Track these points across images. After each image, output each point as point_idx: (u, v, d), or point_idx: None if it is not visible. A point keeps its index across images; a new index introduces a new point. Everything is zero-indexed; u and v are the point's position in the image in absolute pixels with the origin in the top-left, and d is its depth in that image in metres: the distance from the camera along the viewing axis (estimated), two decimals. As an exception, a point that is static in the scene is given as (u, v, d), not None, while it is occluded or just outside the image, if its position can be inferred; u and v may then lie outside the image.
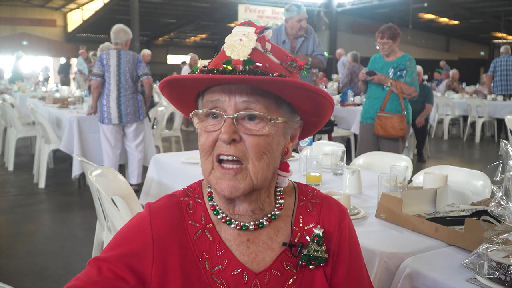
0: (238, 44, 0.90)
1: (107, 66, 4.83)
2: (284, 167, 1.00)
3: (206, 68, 0.91)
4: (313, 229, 1.00)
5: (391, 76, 4.28)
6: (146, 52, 10.97)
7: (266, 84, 0.88)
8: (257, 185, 0.92)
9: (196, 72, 0.92)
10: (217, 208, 0.99)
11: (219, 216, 0.98)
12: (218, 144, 0.91)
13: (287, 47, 4.56)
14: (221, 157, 0.91)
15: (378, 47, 4.34)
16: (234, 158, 0.90)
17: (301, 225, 1.02)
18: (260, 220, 0.98)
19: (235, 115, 0.89)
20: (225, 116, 0.90)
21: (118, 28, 4.94)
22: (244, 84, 0.89)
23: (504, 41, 24.32)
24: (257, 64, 0.89)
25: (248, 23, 0.94)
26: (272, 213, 1.00)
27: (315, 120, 1.01)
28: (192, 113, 0.95)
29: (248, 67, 0.88)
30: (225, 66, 0.88)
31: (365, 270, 1.09)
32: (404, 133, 4.27)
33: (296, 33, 4.59)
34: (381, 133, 4.31)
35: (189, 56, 11.67)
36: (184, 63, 13.81)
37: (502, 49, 9.51)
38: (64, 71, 16.24)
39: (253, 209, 0.97)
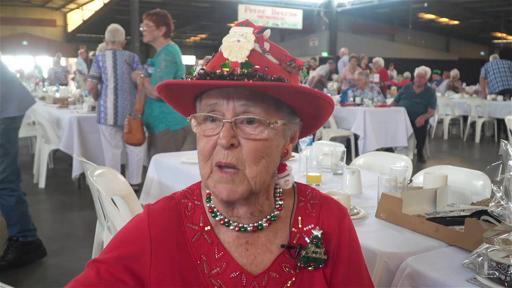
0: (236, 46, 0.89)
1: (104, 68, 4.76)
2: (280, 167, 0.99)
3: (203, 71, 0.89)
4: (312, 231, 0.99)
5: (143, 73, 3.84)
6: None
7: (265, 88, 0.87)
8: (255, 189, 0.91)
9: (194, 74, 0.91)
10: (215, 210, 0.98)
11: (217, 218, 0.97)
12: (216, 149, 0.90)
13: None
14: (220, 165, 0.90)
15: (141, 28, 3.85)
16: (232, 166, 0.89)
17: (300, 226, 1.01)
18: (260, 222, 0.98)
19: (234, 119, 0.88)
20: (223, 120, 0.89)
21: (114, 28, 4.86)
22: (242, 87, 0.88)
23: (504, 41, 24.31)
24: (255, 67, 0.87)
25: (246, 23, 0.93)
26: (272, 214, 0.99)
27: (315, 121, 1.01)
28: (190, 117, 0.94)
29: (246, 71, 0.86)
30: (222, 69, 0.87)
31: (366, 271, 1.09)
32: (137, 141, 3.83)
33: None
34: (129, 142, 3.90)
35: (189, 56, 11.55)
36: None
37: (491, 57, 10.01)
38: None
39: (252, 212, 0.97)
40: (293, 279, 0.97)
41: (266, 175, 0.92)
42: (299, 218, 1.02)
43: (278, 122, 0.92)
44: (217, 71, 0.87)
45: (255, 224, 0.97)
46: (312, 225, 1.01)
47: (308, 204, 1.04)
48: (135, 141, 3.85)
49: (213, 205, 0.99)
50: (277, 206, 1.01)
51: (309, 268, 0.97)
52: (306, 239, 0.99)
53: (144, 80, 3.78)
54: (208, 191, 1.00)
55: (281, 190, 1.03)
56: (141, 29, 3.85)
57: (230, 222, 0.97)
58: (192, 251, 0.96)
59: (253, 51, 0.89)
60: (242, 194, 0.90)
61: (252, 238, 0.98)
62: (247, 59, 0.88)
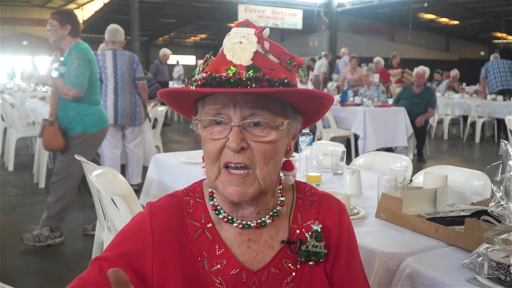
0: (238, 48, 0.89)
1: (103, 68, 4.74)
2: (288, 165, 1.01)
3: (207, 74, 0.88)
4: (311, 225, 1.00)
5: (55, 74, 3.58)
6: (168, 52, 10.54)
7: (274, 93, 0.88)
8: (265, 189, 0.93)
9: (198, 77, 0.90)
10: (218, 207, 0.99)
11: (220, 216, 0.98)
12: (225, 151, 0.91)
13: None
14: (229, 165, 0.90)
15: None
16: (242, 165, 0.90)
17: (300, 222, 1.02)
18: (263, 219, 0.99)
19: (242, 122, 0.89)
20: (231, 124, 0.89)
21: (114, 28, 4.86)
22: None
23: (504, 41, 24.31)
24: (263, 70, 0.88)
25: (247, 24, 0.93)
26: (274, 210, 1.00)
27: (315, 116, 1.03)
28: (195, 120, 0.95)
29: (252, 74, 0.86)
30: (228, 73, 0.87)
31: (361, 267, 1.10)
32: (58, 146, 3.54)
33: None
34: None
35: (189, 56, 11.42)
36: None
37: (491, 57, 10.00)
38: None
39: (259, 211, 0.98)
40: (293, 274, 0.98)
41: (274, 175, 0.94)
42: (298, 214, 1.03)
43: (284, 123, 0.93)
44: (223, 74, 0.87)
45: (259, 221, 0.98)
46: (312, 221, 1.02)
47: (307, 201, 1.05)
48: (55, 146, 3.61)
49: (216, 203, 0.99)
50: (279, 202, 1.02)
51: (310, 263, 0.98)
52: (306, 234, 1.00)
53: (56, 81, 3.56)
54: (210, 189, 1.01)
55: (281, 186, 1.04)
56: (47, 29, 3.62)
57: (234, 219, 0.98)
58: (194, 248, 0.96)
59: (256, 52, 0.90)
60: (253, 195, 0.92)
61: (255, 235, 0.99)
62: (251, 62, 0.88)
